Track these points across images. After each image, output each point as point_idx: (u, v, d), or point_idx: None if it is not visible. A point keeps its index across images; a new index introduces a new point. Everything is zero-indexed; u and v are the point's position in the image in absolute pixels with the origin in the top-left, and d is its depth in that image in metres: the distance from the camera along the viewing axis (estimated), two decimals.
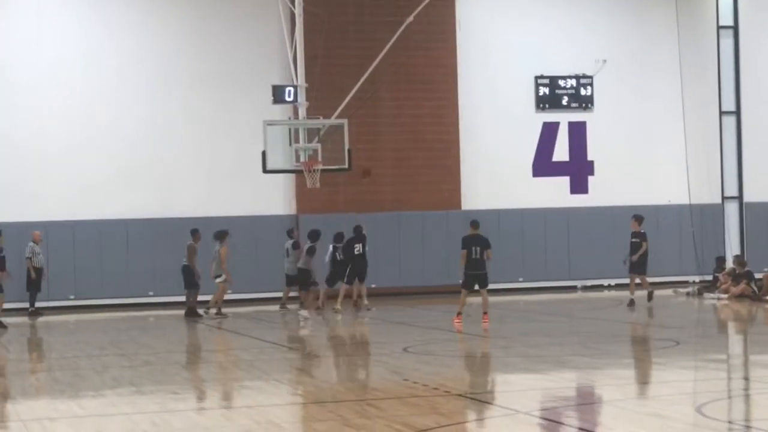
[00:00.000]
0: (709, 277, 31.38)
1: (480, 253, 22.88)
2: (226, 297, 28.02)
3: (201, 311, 27.15)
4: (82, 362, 18.71)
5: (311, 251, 27.35)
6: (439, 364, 17.59)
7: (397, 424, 11.81)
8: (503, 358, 18.49)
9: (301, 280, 27.44)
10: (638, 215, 27.83)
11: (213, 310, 27.35)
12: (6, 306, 26.35)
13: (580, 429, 11.90)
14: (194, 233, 27.54)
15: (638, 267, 27.15)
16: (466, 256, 22.91)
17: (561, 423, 12.18)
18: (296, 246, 28.40)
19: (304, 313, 26.61)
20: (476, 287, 23.32)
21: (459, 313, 23.12)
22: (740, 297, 28.33)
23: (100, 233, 31.08)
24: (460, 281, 23.50)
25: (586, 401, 13.89)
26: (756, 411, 13.00)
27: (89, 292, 30.99)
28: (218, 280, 27.39)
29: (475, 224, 23.52)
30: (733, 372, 16.56)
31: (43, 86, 31.19)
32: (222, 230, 27.70)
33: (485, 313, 23.05)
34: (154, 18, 32.05)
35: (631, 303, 26.75)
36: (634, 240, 27.35)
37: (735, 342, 21.80)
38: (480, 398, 14.09)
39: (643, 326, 23.35)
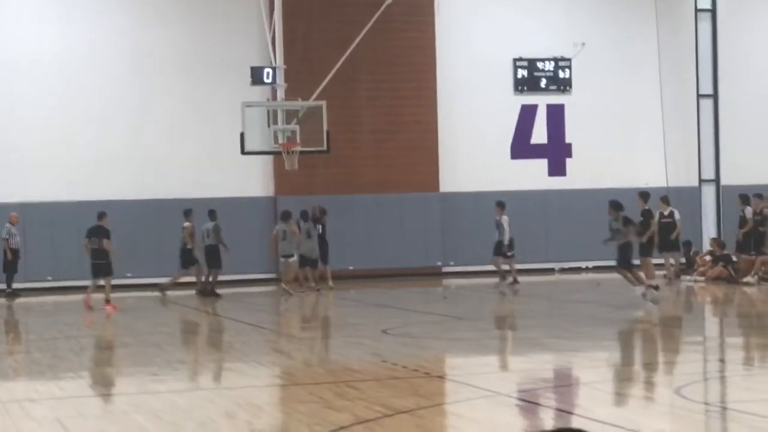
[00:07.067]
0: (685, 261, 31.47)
1: None
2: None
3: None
4: (60, 344, 18.69)
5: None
6: (418, 346, 17.64)
7: (378, 405, 11.85)
8: (482, 341, 18.56)
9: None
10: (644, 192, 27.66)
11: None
12: None
13: (559, 410, 11.96)
14: (211, 214, 28.29)
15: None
16: None
17: (540, 404, 12.25)
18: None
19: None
20: None
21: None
22: (717, 280, 28.47)
23: (79, 215, 30.92)
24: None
25: (565, 383, 13.97)
26: (732, 393, 13.10)
27: (67, 273, 30.87)
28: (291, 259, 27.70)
29: None
30: (710, 354, 16.67)
31: (21, 69, 31.05)
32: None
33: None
34: (132, 0, 31.93)
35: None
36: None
37: (711, 324, 21.94)
38: (459, 380, 14.15)
39: (619, 309, 23.43)
